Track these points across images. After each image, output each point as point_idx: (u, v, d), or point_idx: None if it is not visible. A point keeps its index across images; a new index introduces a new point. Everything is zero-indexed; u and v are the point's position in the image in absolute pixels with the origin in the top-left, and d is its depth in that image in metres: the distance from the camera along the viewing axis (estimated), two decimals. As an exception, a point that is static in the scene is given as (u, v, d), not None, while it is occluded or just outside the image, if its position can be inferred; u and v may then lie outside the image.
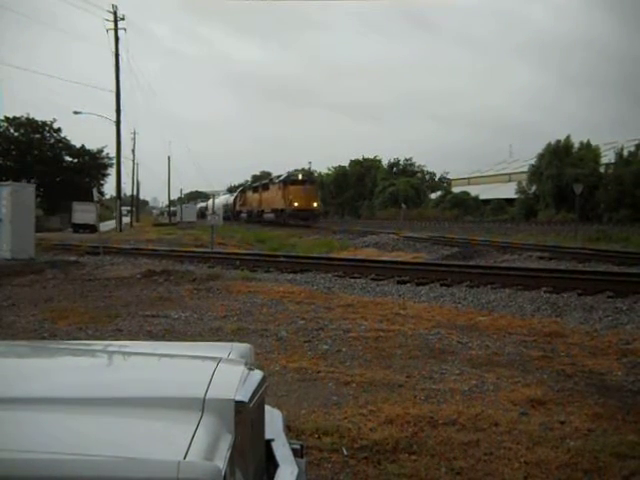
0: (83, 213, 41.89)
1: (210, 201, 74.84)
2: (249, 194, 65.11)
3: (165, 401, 1.84)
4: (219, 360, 2.25)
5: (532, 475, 3.95)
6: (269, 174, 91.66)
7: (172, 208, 79.03)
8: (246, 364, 2.27)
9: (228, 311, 9.86)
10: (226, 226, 33.34)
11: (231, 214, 66.08)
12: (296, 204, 47.15)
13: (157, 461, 1.50)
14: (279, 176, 54.11)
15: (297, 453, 2.32)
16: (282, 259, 17.57)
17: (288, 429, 3.62)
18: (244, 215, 64.07)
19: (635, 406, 5.33)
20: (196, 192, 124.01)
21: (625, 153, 59.10)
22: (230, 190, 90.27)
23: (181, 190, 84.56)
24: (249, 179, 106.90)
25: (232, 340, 5.57)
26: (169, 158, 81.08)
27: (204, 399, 1.83)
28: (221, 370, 2.11)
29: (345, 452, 4.31)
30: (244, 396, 1.91)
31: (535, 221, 54.65)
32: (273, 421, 2.47)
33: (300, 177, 50.81)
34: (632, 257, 17.94)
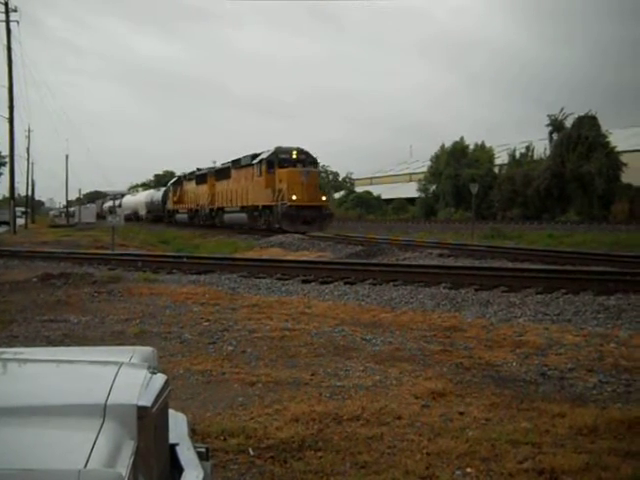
0: None
1: (125, 198, 72.01)
2: (190, 186, 48.45)
3: (64, 409, 1.79)
4: (120, 365, 2.20)
5: (434, 465, 4.08)
6: (172, 173, 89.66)
7: (70, 209, 75.94)
8: (148, 368, 2.24)
9: (130, 314, 9.61)
10: (128, 227, 31.99)
11: (163, 214, 55.20)
12: (294, 197, 30.34)
13: (56, 471, 1.46)
14: (255, 154, 35.19)
15: (202, 456, 2.30)
16: (185, 260, 17.31)
17: (193, 432, 3.59)
18: (183, 216, 49.37)
19: (528, 395, 5.60)
20: (95, 192, 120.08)
21: (517, 155, 62.05)
22: (131, 190, 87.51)
23: (80, 190, 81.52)
24: (152, 178, 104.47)
25: (134, 344, 5.45)
26: (67, 157, 78.30)
27: (105, 405, 1.79)
28: (122, 375, 2.07)
29: (251, 452, 4.30)
30: (146, 401, 1.88)
31: (435, 220, 56.44)
32: (177, 425, 2.44)
33: (295, 154, 32.83)
34: (524, 253, 18.83)
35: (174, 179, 56.14)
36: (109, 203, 73.19)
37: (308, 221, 30.56)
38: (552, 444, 4.40)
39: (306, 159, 33.13)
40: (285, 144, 33.75)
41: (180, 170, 64.08)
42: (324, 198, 32.65)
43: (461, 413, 5.06)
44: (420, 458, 4.19)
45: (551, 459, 4.13)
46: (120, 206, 65.57)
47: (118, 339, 7.83)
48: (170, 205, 53.36)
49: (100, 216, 60.41)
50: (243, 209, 35.69)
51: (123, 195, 76.40)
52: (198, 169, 47.91)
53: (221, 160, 44.70)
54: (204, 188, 43.85)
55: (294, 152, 32.92)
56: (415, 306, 10.56)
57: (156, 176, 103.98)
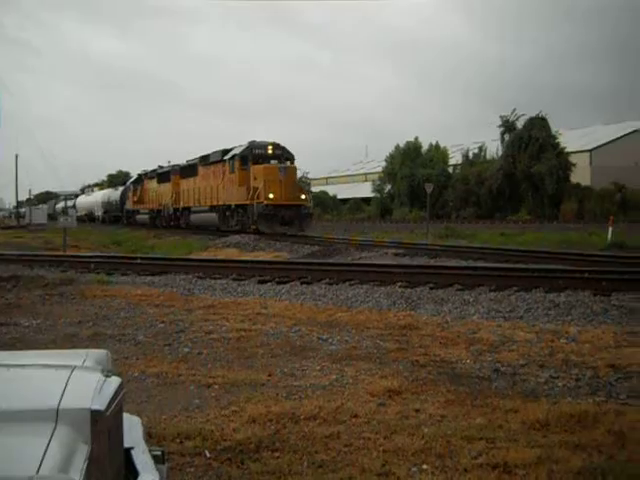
0: None
1: (80, 198, 70.17)
2: (152, 185, 45.11)
3: (16, 414, 1.75)
4: (73, 368, 2.16)
5: (390, 462, 4.12)
6: (127, 174, 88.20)
7: (21, 210, 73.96)
8: (102, 371, 2.21)
9: (83, 316, 9.46)
10: (80, 228, 31.20)
11: (122, 214, 52.48)
12: (271, 196, 27.86)
13: (8, 477, 1.43)
14: (226, 150, 32.47)
15: (158, 460, 2.29)
16: (139, 261, 17.09)
17: (149, 436, 3.55)
18: (144, 217, 46.22)
19: (482, 391, 5.70)
20: (46, 193, 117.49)
21: (470, 155, 63.01)
22: (84, 190, 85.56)
23: (30, 191, 79.56)
24: (105, 178, 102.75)
25: (88, 347, 5.36)
26: (16, 156, 76.25)
27: (57, 410, 1.76)
28: (75, 379, 2.04)
29: (208, 455, 4.28)
30: (100, 404, 1.86)
31: (390, 219, 56.90)
32: (132, 429, 2.42)
33: (271, 149, 30.34)
34: (477, 252, 19.12)
35: (134, 177, 52.56)
36: (61, 204, 71.48)
37: (287, 221, 28.14)
38: (505, 439, 4.48)
39: (282, 154, 30.45)
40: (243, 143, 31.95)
41: (135, 170, 62.64)
42: (303, 196, 29.64)
43: (417, 410, 5.12)
44: (377, 456, 4.23)
45: (504, 454, 4.21)
46: (74, 207, 64.06)
47: (71, 342, 7.69)
48: (130, 205, 50.32)
49: (52, 217, 58.95)
50: (213, 209, 33.04)
51: (77, 195, 74.83)
52: (160, 166, 45.18)
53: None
54: (167, 187, 41.12)
55: (269, 147, 30.37)
56: (371, 305, 10.63)
57: (109, 176, 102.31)
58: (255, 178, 28.80)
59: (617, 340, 7.52)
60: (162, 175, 42.95)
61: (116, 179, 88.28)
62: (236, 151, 31.00)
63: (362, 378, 6.10)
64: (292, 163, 30.48)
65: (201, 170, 35.44)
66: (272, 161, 29.44)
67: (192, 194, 36.38)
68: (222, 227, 32.11)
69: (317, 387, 5.81)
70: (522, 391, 5.74)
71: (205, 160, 35.09)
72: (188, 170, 37.85)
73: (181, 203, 38.47)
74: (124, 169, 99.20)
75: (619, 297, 10.23)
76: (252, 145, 30.47)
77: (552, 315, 9.39)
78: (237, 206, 30.34)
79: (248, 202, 28.56)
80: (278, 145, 30.70)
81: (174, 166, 41.37)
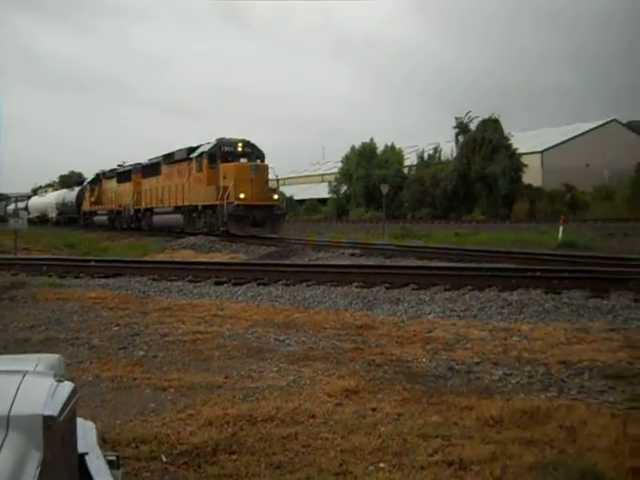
0: None
1: (32, 199, 68.31)
2: (111, 185, 42.75)
3: (-37, 422, 1.71)
4: (25, 373, 2.12)
5: (347, 462, 4.14)
6: (80, 174, 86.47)
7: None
8: (55, 376, 2.17)
9: (35, 320, 9.26)
10: (32, 230, 30.38)
11: (78, 216, 50.08)
12: (242, 196, 26.44)
13: (-45, 487, 1.39)
14: (192, 148, 30.90)
15: (113, 465, 2.25)
16: (93, 263, 16.81)
17: (103, 441, 3.50)
18: (102, 218, 43.97)
19: (438, 389, 5.77)
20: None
21: (425, 156, 63.72)
22: (36, 191, 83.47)
23: (-25, 193, 77.34)
24: (56, 180, 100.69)
25: (39, 351, 5.25)
26: (-38, 157, 74.10)
27: (8, 416, 1.72)
28: (27, 384, 1.99)
29: (164, 459, 4.24)
30: (53, 410, 1.83)
31: (347, 220, 57.16)
32: (86, 434, 2.38)
33: (240, 147, 28.86)
34: (432, 252, 19.34)
35: (91, 177, 49.77)
36: (12, 205, 69.49)
37: (258, 222, 26.74)
38: (461, 436, 4.55)
39: (252, 152, 28.93)
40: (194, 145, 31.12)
41: (87, 171, 61.21)
42: (275, 197, 28.41)
43: (373, 409, 5.16)
44: (334, 455, 4.25)
45: (460, 450, 4.27)
46: (26, 208, 62.42)
47: (22, 347, 7.52)
48: (87, 206, 47.74)
49: (2, 219, 57.40)
50: (178, 210, 31.24)
51: (29, 197, 72.99)
52: (119, 165, 42.90)
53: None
54: (128, 187, 38.71)
55: (239, 144, 28.81)
56: (328, 305, 10.66)
57: (61, 177, 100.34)
58: (225, 177, 27.30)
59: (568, 337, 7.71)
60: (122, 174, 40.77)
61: (68, 180, 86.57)
62: (204, 148, 29.42)
63: (319, 378, 6.11)
64: (262, 161, 28.98)
65: (164, 169, 33.66)
66: (242, 159, 27.99)
67: (155, 194, 34.50)
68: (188, 229, 30.46)
69: (274, 388, 5.80)
70: (477, 388, 5.84)
71: (169, 158, 33.24)
72: (150, 169, 35.95)
73: (143, 204, 36.40)
74: (76, 170, 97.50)
75: (570, 295, 10.47)
76: (221, 142, 28.97)
77: (505, 313, 9.56)
78: (205, 207, 28.73)
79: (217, 202, 26.99)
80: (248, 143, 29.35)
81: (135, 165, 39.16)
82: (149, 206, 35.51)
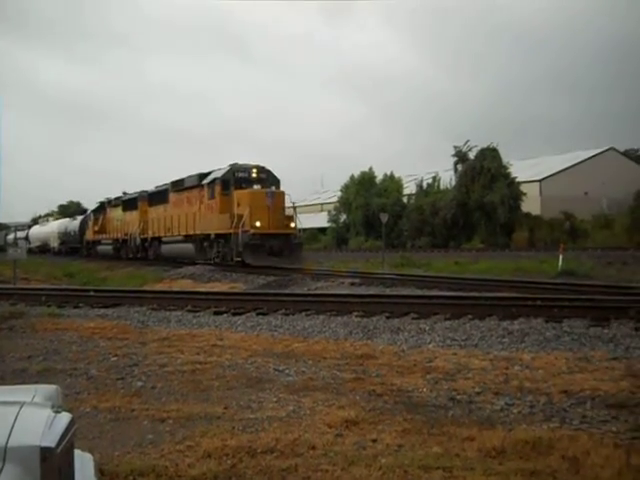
0: None
1: (33, 229, 68.08)
2: (116, 213, 41.45)
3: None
4: (22, 404, 2.11)
5: (348, 495, 4.09)
6: (78, 204, 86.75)
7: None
8: (52, 407, 2.15)
9: (33, 351, 9.22)
10: (31, 260, 30.17)
11: (81, 245, 49.31)
12: (258, 224, 25.25)
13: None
14: (202, 174, 29.68)
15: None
16: (92, 293, 16.78)
17: (101, 473, 3.46)
18: (106, 248, 42.73)
19: (439, 420, 5.72)
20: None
21: (424, 185, 63.98)
22: (36, 220, 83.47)
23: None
24: (55, 209, 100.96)
25: (37, 382, 5.22)
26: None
27: (5, 448, 1.71)
28: (24, 415, 1.98)
29: (162, 491, 4.18)
30: (50, 441, 1.81)
31: (346, 249, 57.17)
32: (84, 466, 2.36)
33: (255, 173, 27.75)
34: (432, 281, 19.33)
35: (95, 206, 48.26)
36: (12, 235, 69.35)
37: (275, 252, 25.32)
38: (462, 467, 4.49)
39: (267, 178, 27.74)
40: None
41: (86, 201, 61.08)
42: (292, 225, 26.78)
43: (374, 440, 5.10)
44: (334, 488, 4.19)
45: (461, 482, 4.22)
46: (27, 238, 62.20)
47: (20, 377, 7.47)
48: (90, 235, 46.61)
49: (2, 249, 57.29)
50: (188, 239, 29.96)
51: (30, 226, 72.96)
52: (125, 193, 41.94)
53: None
54: (134, 215, 37.47)
55: (254, 170, 27.64)
56: (328, 335, 10.62)
57: (60, 207, 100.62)
58: (239, 204, 26.06)
59: (569, 366, 7.66)
60: (128, 202, 39.47)
61: (67, 209, 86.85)
62: (216, 174, 28.21)
63: (319, 409, 6.06)
64: (278, 188, 27.67)
65: (173, 196, 32.58)
66: (255, 186, 26.96)
67: (163, 223, 33.15)
68: (199, 258, 29.29)
69: (274, 419, 5.75)
70: (478, 419, 5.79)
71: (178, 185, 32.15)
72: (158, 196, 34.78)
73: (150, 232, 34.96)
74: (75, 199, 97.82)
75: (570, 323, 10.44)
76: (234, 168, 27.74)
77: (506, 342, 9.52)
78: (217, 235, 27.31)
79: (232, 231, 25.54)
80: (263, 168, 28.18)
81: (141, 192, 38.06)
82: (157, 235, 34.20)
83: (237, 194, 26.61)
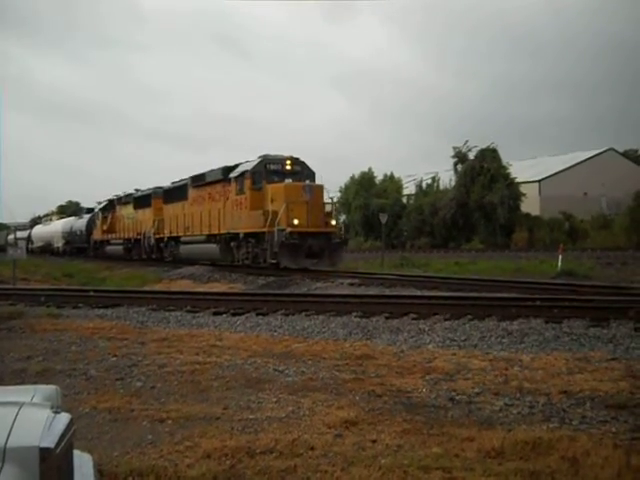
0: None
1: (36, 229, 67.78)
2: (126, 211, 39.00)
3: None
4: (21, 405, 2.11)
5: (347, 495, 4.08)
6: (77, 204, 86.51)
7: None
8: (51, 407, 2.15)
9: (32, 351, 9.21)
10: (30, 260, 29.87)
11: (87, 245, 46.82)
12: (296, 222, 22.58)
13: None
14: (228, 167, 26.72)
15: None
16: (92, 294, 16.77)
17: (100, 473, 3.46)
18: (116, 248, 40.44)
19: (438, 420, 5.72)
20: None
21: (424, 185, 64.02)
22: (35, 220, 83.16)
23: (-24, 222, 77.26)
24: (54, 210, 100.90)
25: (36, 382, 5.22)
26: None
27: (4, 448, 1.71)
28: (23, 416, 1.98)
29: (162, 491, 4.18)
30: (49, 442, 1.81)
31: (346, 249, 57.13)
32: (83, 466, 2.35)
33: (289, 164, 24.77)
34: (431, 281, 19.33)
35: (103, 203, 45.35)
36: (13, 235, 69.00)
37: (314, 253, 22.87)
38: (462, 468, 4.49)
39: (303, 171, 24.71)
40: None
41: (86, 201, 60.35)
42: (333, 222, 24.41)
43: (373, 441, 5.10)
44: (334, 488, 4.19)
45: (461, 483, 4.21)
46: (29, 238, 61.68)
47: (19, 378, 7.47)
48: (98, 235, 43.76)
49: (2, 249, 56.82)
50: (211, 238, 27.03)
51: (32, 226, 72.64)
52: (137, 190, 39.21)
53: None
54: (147, 213, 34.68)
55: (287, 162, 24.58)
56: (327, 335, 10.61)
57: (60, 207, 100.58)
58: (273, 200, 23.40)
59: (569, 366, 7.66)
60: (140, 199, 36.75)
61: (67, 209, 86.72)
62: (245, 167, 25.13)
63: (319, 409, 6.06)
64: (313, 182, 24.54)
65: (193, 192, 29.77)
66: (288, 179, 24.10)
67: (181, 221, 30.31)
68: (224, 260, 26.62)
69: (273, 419, 5.75)
70: (477, 419, 5.78)
71: (199, 180, 29.22)
72: (175, 193, 31.97)
73: (166, 232, 32.18)
74: (74, 199, 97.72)
75: (570, 324, 10.44)
76: (266, 160, 24.74)
77: (506, 343, 9.52)
78: (247, 235, 24.56)
79: (265, 229, 22.87)
80: (297, 160, 25.08)
81: (155, 189, 35.34)
82: (174, 234, 31.34)
83: (271, 188, 23.89)
